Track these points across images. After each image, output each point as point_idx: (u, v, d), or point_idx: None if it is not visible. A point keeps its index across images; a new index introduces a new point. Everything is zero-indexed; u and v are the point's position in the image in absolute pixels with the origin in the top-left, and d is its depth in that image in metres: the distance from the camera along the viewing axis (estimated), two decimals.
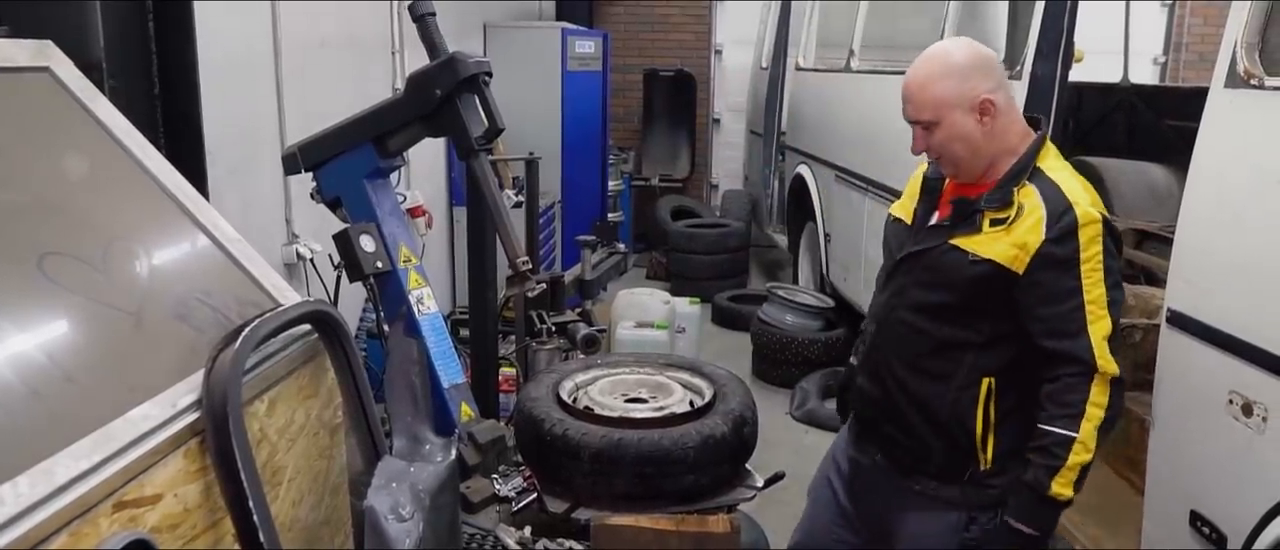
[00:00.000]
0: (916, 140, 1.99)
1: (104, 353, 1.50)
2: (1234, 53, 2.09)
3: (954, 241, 1.94)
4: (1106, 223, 1.86)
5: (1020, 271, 1.86)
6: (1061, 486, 1.82)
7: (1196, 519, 2.16)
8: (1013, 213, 1.88)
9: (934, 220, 2.03)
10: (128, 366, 1.51)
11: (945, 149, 1.95)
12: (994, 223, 1.90)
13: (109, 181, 1.78)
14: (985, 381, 1.94)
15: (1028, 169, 1.92)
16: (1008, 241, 1.87)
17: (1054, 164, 1.95)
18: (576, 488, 2.18)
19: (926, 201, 2.07)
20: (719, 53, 8.79)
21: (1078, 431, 1.81)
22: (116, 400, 1.41)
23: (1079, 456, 1.81)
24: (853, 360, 2.24)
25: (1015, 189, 1.89)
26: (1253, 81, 2.04)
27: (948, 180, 2.05)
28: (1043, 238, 1.84)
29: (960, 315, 1.95)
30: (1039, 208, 1.86)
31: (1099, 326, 1.83)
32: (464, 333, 3.76)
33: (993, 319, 1.93)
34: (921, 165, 2.16)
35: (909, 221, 2.09)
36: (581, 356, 3.46)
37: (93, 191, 1.74)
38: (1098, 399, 1.82)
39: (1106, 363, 1.82)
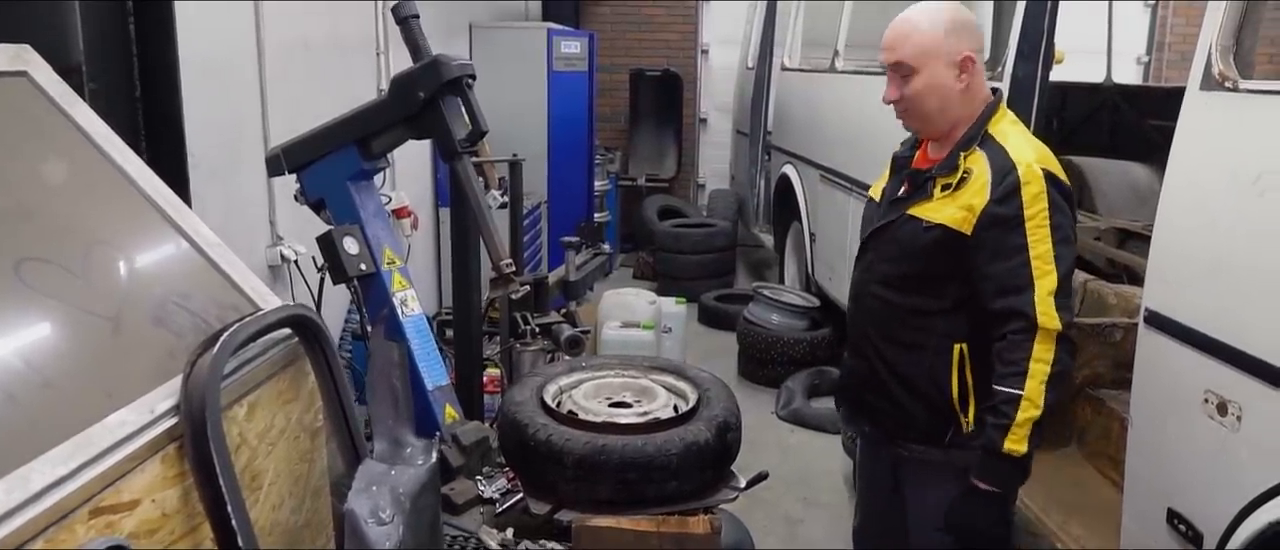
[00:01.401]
0: (891, 87, 2.02)
1: (82, 358, 1.50)
2: (1209, 55, 2.11)
3: (910, 211, 2.01)
4: (1052, 178, 1.90)
5: (968, 232, 1.92)
6: (1014, 443, 1.87)
7: (1173, 517, 2.18)
8: (959, 178, 1.95)
9: (897, 195, 2.10)
10: (105, 372, 1.51)
11: (918, 101, 1.99)
12: (944, 189, 1.97)
13: (87, 186, 1.78)
14: (957, 347, 2.01)
15: (978, 135, 1.98)
16: (955, 205, 1.94)
17: (1005, 127, 2.00)
18: (560, 493, 2.19)
19: (894, 179, 2.14)
20: (705, 52, 8.80)
21: (1023, 389, 1.86)
22: (94, 406, 1.40)
23: (1027, 413, 1.86)
24: None
25: (963, 154, 1.96)
26: (1227, 84, 2.06)
27: (916, 157, 2.11)
28: (988, 198, 1.90)
29: (923, 283, 2.02)
30: (986, 171, 1.92)
31: (1044, 282, 1.87)
32: (450, 333, 3.76)
33: (954, 284, 1.99)
34: (896, 150, 2.23)
35: (878, 199, 2.17)
36: (566, 358, 3.46)
37: (71, 197, 1.73)
38: (1041, 355, 1.86)
39: (1048, 318, 1.85)
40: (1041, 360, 1.86)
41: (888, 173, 2.20)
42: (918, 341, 2.05)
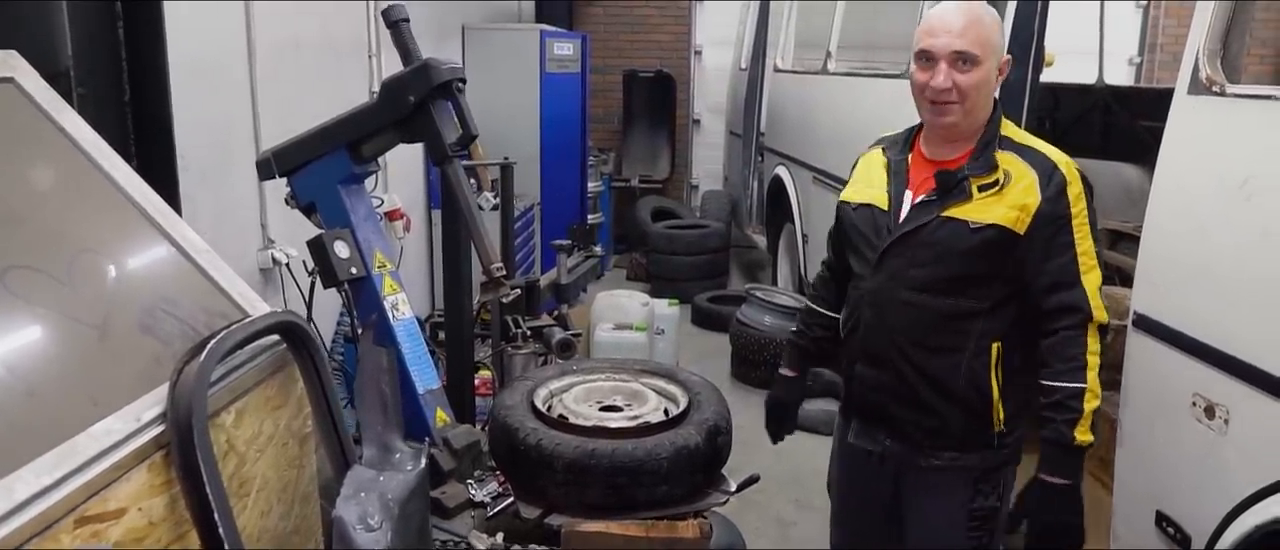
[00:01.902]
0: (939, 75, 1.94)
1: (67, 366, 1.50)
2: (1196, 60, 2.12)
3: (948, 213, 1.99)
4: (1084, 179, 1.99)
5: (1021, 232, 1.95)
6: (1083, 434, 1.92)
7: (1162, 519, 2.19)
8: (1000, 177, 1.97)
9: (918, 198, 2.05)
10: (91, 380, 1.51)
11: (973, 91, 1.95)
12: (983, 189, 1.97)
13: (74, 193, 1.77)
14: (994, 346, 2.02)
15: (996, 136, 2.02)
16: (1006, 204, 1.96)
17: (1017, 133, 2.07)
18: (550, 497, 2.19)
19: (897, 183, 2.10)
20: (698, 54, 8.80)
21: (1085, 381, 1.92)
22: (80, 414, 1.40)
23: (1091, 403, 1.92)
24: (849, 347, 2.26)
25: (996, 154, 1.99)
26: (1214, 89, 2.07)
27: (910, 161, 2.11)
28: (1040, 198, 1.94)
29: (963, 285, 2.01)
30: (1028, 171, 1.96)
31: (1092, 276, 1.95)
32: (443, 336, 3.76)
33: (996, 284, 2.01)
34: (871, 153, 2.22)
35: (885, 206, 2.09)
36: (557, 361, 3.46)
37: (58, 203, 1.73)
38: (1094, 347, 1.93)
39: (1099, 311, 1.93)
40: (1094, 352, 1.93)
41: (875, 179, 2.14)
42: (954, 344, 2.03)
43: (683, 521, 2.17)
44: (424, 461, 2.04)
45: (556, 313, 4.11)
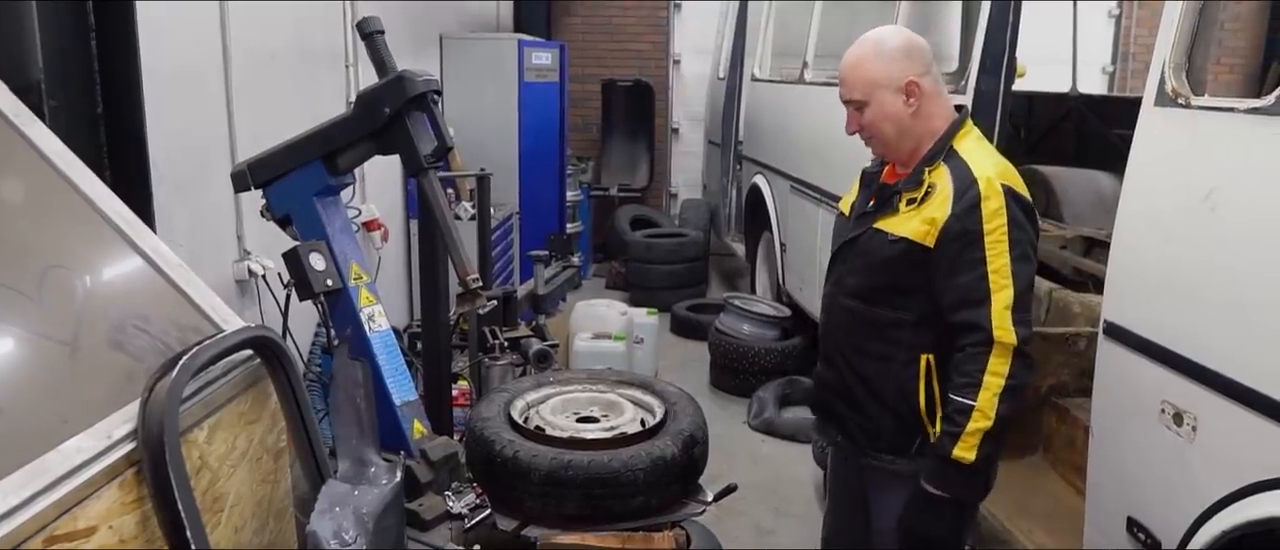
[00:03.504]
0: (850, 120, 2.10)
1: (37, 384, 1.48)
2: (1162, 72, 2.15)
3: (877, 225, 2.06)
4: (1013, 193, 1.95)
5: (930, 245, 1.97)
6: (963, 451, 1.90)
7: (1133, 524, 2.22)
8: (924, 191, 1.99)
9: (866, 209, 2.14)
10: (61, 397, 1.50)
11: (875, 128, 2.06)
12: (909, 202, 2.02)
13: (44, 208, 1.76)
14: (923, 359, 2.05)
15: (943, 150, 2.03)
16: (920, 218, 1.99)
17: (970, 144, 2.05)
18: (527, 509, 2.19)
19: (864, 193, 2.19)
20: (677, 63, 8.82)
21: (975, 400, 1.89)
22: (49, 432, 1.39)
23: (977, 423, 1.89)
24: None
25: (927, 169, 2.01)
26: (1180, 101, 2.10)
27: (885, 171, 2.16)
28: (949, 212, 1.95)
29: (890, 296, 2.06)
30: (948, 185, 1.97)
31: (1001, 296, 1.90)
32: (421, 347, 3.75)
33: (919, 297, 2.03)
34: (867, 165, 2.27)
35: (848, 213, 2.22)
36: (534, 372, 3.46)
37: (27, 219, 1.72)
38: (996, 368, 1.89)
39: (1004, 332, 1.89)
40: (996, 374, 1.89)
41: (857, 187, 2.25)
42: (886, 353, 2.08)
43: (660, 532, 2.18)
44: (399, 475, 2.03)
45: (534, 323, 4.11)
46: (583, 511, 2.15)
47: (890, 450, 2.12)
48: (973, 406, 1.89)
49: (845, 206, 2.26)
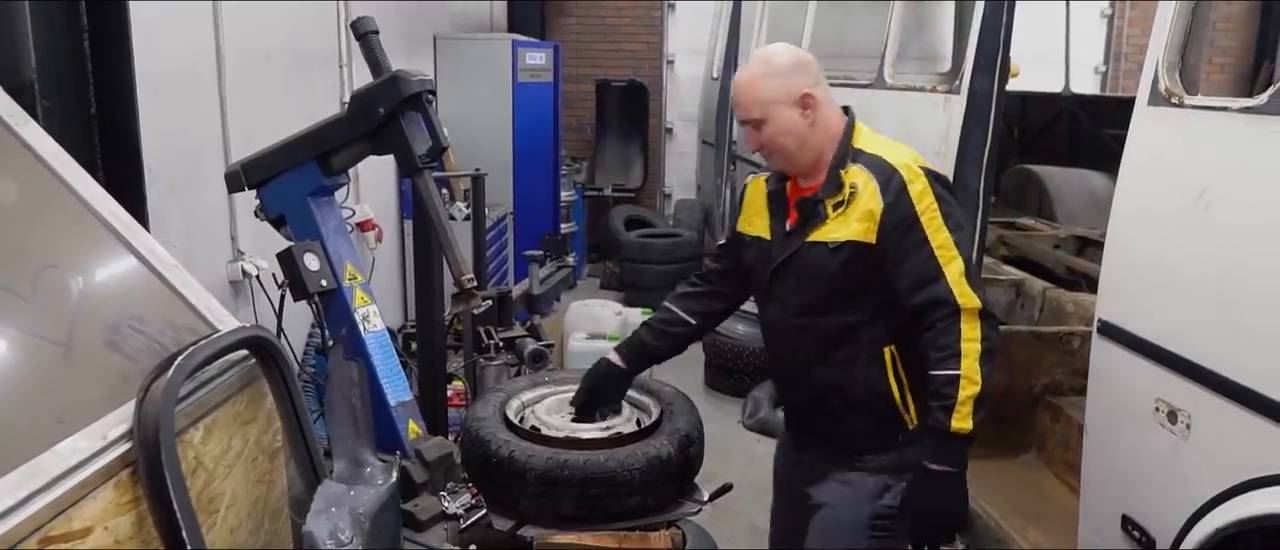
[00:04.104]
0: (749, 138, 2.13)
1: (32, 384, 1.48)
2: (1156, 72, 2.16)
3: (810, 238, 2.07)
4: (930, 172, 2.02)
5: (873, 241, 2.00)
6: (960, 422, 1.91)
7: (1128, 523, 2.23)
8: (848, 193, 2.02)
9: (788, 227, 2.14)
10: (56, 398, 1.49)
11: (775, 143, 2.08)
12: (836, 207, 2.04)
13: (39, 208, 1.75)
14: (886, 350, 2.07)
15: (847, 153, 2.07)
16: (855, 217, 2.01)
17: (869, 141, 2.10)
18: (522, 509, 2.19)
19: (777, 214, 2.19)
20: (671, 63, 8.83)
21: (960, 368, 1.90)
22: (44, 433, 1.38)
23: (967, 390, 1.90)
24: None
25: (841, 172, 2.04)
26: (1173, 100, 2.11)
27: (789, 189, 2.17)
28: (882, 204, 1.98)
29: (841, 301, 2.07)
30: (870, 180, 2.01)
31: (952, 267, 1.94)
32: (416, 347, 3.74)
33: (870, 294, 2.05)
34: (756, 180, 2.28)
35: (768, 237, 2.20)
36: (529, 372, 3.46)
37: (22, 219, 1.71)
38: (969, 333, 1.92)
39: (967, 297, 1.93)
40: (971, 339, 1.91)
41: (758, 209, 2.23)
42: (849, 356, 2.09)
43: (655, 532, 2.18)
44: (395, 475, 2.03)
45: (529, 323, 4.10)
46: (579, 511, 2.14)
47: (874, 450, 2.12)
48: (959, 375, 1.90)
49: (755, 230, 2.24)
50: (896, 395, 2.07)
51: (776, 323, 2.19)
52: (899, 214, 1.97)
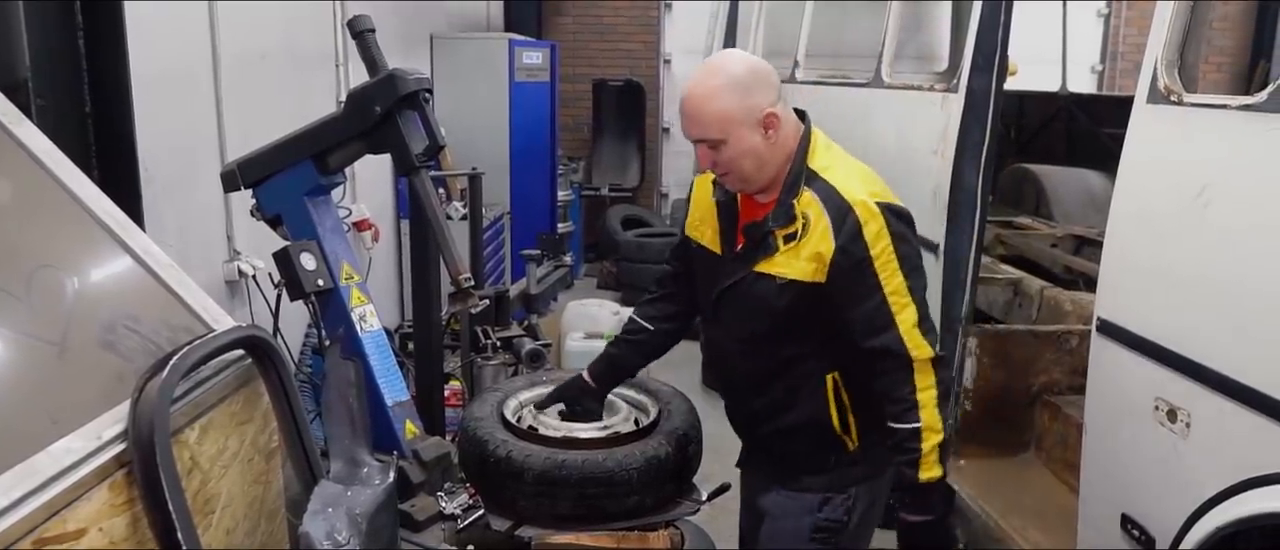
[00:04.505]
0: (702, 158, 1.96)
1: (26, 385, 1.47)
2: (1155, 70, 2.16)
3: (758, 269, 1.96)
4: (888, 208, 1.88)
5: (823, 281, 1.89)
6: (928, 471, 1.87)
7: (1127, 522, 2.22)
8: (799, 226, 1.89)
9: (738, 247, 2.03)
10: (51, 398, 1.48)
11: (733, 165, 1.93)
12: (787, 240, 1.91)
13: (33, 207, 1.74)
14: (829, 378, 2.01)
15: (801, 174, 1.93)
16: (804, 257, 1.89)
17: (825, 159, 1.95)
18: (520, 509, 2.18)
19: (726, 226, 2.07)
20: (668, 62, 8.82)
21: (920, 421, 1.85)
22: (38, 434, 1.37)
23: (931, 441, 1.86)
24: None
25: (794, 201, 1.91)
26: (1172, 98, 2.11)
27: (738, 200, 2.05)
28: (833, 245, 1.86)
29: (785, 334, 1.98)
30: (823, 215, 1.88)
31: (904, 315, 1.85)
32: (412, 347, 3.73)
33: (815, 327, 1.97)
34: (702, 180, 2.16)
35: (717, 251, 2.10)
36: (527, 372, 3.45)
37: (16, 218, 1.70)
38: (923, 383, 1.85)
39: (919, 348, 1.85)
40: (926, 388, 1.85)
41: (708, 214, 2.12)
42: (790, 385, 2.03)
43: (654, 532, 2.17)
44: (392, 475, 2.02)
45: (526, 323, 4.10)
46: (577, 511, 2.14)
47: (810, 472, 2.08)
48: (921, 427, 1.85)
49: (704, 239, 2.13)
50: (835, 422, 2.02)
51: (718, 344, 2.13)
52: (852, 258, 1.85)
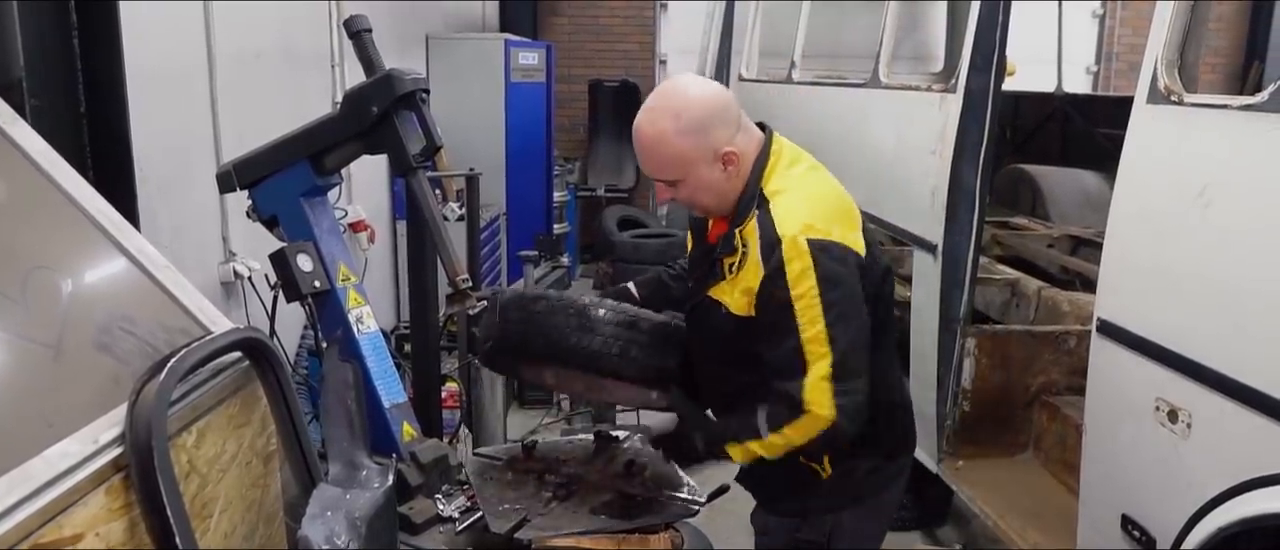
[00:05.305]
0: (660, 193, 1.91)
1: (21, 388, 1.45)
2: (1155, 69, 2.16)
3: (710, 293, 1.90)
4: (821, 246, 1.74)
5: (754, 314, 1.80)
6: (736, 453, 1.88)
7: (1127, 522, 2.22)
8: (739, 256, 1.81)
9: (703, 268, 1.99)
10: (47, 401, 1.47)
11: (692, 201, 1.90)
12: (731, 268, 1.84)
13: (28, 208, 1.73)
14: None
15: (754, 198, 1.83)
16: (739, 288, 1.82)
17: (780, 181, 1.84)
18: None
19: (697, 241, 2.04)
20: (664, 63, 8.82)
21: (764, 436, 1.79)
22: (34, 437, 1.36)
23: (733, 451, 1.87)
24: None
25: (739, 230, 1.83)
26: (1172, 98, 2.11)
27: (710, 223, 2.01)
28: (759, 278, 1.77)
29: (739, 359, 1.89)
30: (756, 247, 1.78)
31: (817, 367, 1.72)
32: (409, 348, 3.72)
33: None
34: None
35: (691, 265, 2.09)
36: None
37: (11, 219, 1.68)
38: (791, 435, 1.76)
39: (819, 405, 1.72)
40: (787, 438, 1.77)
41: (691, 228, 2.10)
42: (753, 409, 1.88)
43: (654, 534, 2.16)
44: (391, 478, 2.01)
45: None
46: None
47: (782, 496, 2.06)
48: (761, 437, 1.79)
49: (691, 246, 2.11)
50: (800, 453, 1.88)
51: (695, 355, 2.06)
52: (771, 294, 1.74)
